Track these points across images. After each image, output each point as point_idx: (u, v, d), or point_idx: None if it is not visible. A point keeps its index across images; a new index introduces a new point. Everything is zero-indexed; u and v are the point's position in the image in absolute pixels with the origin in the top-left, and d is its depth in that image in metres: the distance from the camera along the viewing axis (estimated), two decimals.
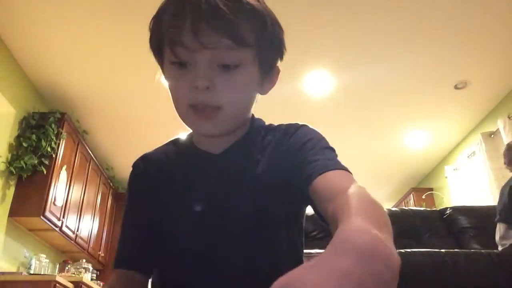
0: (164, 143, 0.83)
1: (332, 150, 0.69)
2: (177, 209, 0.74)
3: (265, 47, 0.67)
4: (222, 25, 0.61)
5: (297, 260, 0.73)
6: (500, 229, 2.31)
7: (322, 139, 0.71)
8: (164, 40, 0.66)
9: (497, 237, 2.29)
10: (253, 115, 0.78)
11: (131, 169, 0.82)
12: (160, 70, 0.74)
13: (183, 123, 0.71)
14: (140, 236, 0.76)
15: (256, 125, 0.77)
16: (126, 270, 0.74)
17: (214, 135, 0.71)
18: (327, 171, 0.61)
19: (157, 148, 0.82)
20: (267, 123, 0.80)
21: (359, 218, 0.41)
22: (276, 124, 0.80)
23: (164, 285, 0.75)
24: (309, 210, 0.74)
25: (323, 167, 0.62)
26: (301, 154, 0.67)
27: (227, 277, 0.69)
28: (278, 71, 0.74)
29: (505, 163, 2.62)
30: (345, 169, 0.63)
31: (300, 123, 0.76)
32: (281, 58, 0.72)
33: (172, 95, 0.69)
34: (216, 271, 0.70)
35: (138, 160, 0.81)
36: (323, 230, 2.44)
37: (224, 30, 0.61)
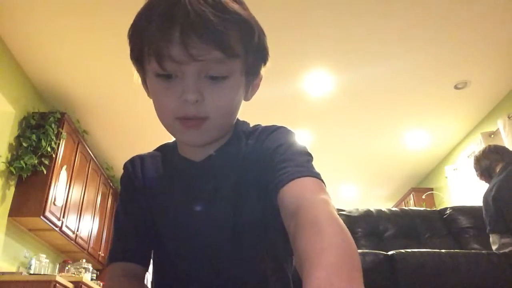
0: (154, 148, 0.85)
1: (305, 154, 0.66)
2: (159, 214, 0.76)
3: (252, 56, 0.66)
4: (212, 37, 0.58)
5: (281, 271, 0.73)
6: (494, 240, 2.28)
7: (294, 143, 0.68)
8: (148, 51, 0.62)
9: (494, 248, 2.27)
10: (237, 119, 0.76)
11: None
12: (138, 75, 0.72)
13: (169, 132, 0.70)
14: (133, 229, 0.77)
15: (238, 130, 0.76)
16: (124, 262, 0.75)
17: (199, 144, 0.70)
18: (293, 179, 0.59)
19: (147, 152, 0.83)
20: (267, 122, 0.79)
21: (325, 272, 0.41)
22: (262, 125, 0.79)
23: (156, 283, 0.78)
24: None
25: (290, 175, 0.60)
26: (271, 161, 0.65)
27: (208, 284, 0.71)
28: (261, 77, 0.73)
29: (477, 176, 2.62)
30: (314, 175, 0.60)
31: (278, 125, 0.74)
32: (265, 64, 0.71)
33: (156, 106, 0.67)
34: (196, 277, 0.72)
35: (127, 161, 0.82)
36: None
37: (215, 42, 0.59)
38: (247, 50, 0.64)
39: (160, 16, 0.60)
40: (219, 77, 0.62)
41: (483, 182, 2.60)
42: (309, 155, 0.67)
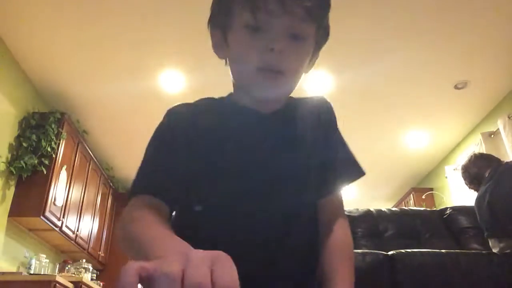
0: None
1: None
2: (216, 158, 0.73)
3: (322, 30, 0.76)
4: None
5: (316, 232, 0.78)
6: (493, 244, 2.26)
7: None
8: (242, 4, 0.69)
9: (495, 251, 2.26)
10: None
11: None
12: (212, 40, 0.78)
13: (244, 85, 0.75)
14: (172, 165, 0.71)
15: (292, 98, 0.84)
16: (153, 196, 0.66)
17: (271, 97, 0.76)
18: (334, 194, 0.83)
19: (192, 102, 0.80)
20: None
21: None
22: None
23: (184, 228, 0.65)
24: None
25: (336, 187, 0.83)
26: (332, 150, 0.84)
27: (254, 235, 0.69)
28: (318, 56, 0.81)
29: (466, 185, 2.61)
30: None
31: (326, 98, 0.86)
32: (325, 43, 0.80)
33: (238, 58, 0.73)
34: (245, 228, 0.69)
35: (176, 105, 0.79)
36: None
37: (302, 3, 0.67)
38: (320, 22, 0.73)
39: None
40: (299, 37, 0.70)
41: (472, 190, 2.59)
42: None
